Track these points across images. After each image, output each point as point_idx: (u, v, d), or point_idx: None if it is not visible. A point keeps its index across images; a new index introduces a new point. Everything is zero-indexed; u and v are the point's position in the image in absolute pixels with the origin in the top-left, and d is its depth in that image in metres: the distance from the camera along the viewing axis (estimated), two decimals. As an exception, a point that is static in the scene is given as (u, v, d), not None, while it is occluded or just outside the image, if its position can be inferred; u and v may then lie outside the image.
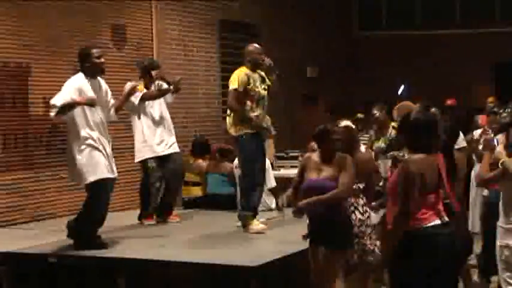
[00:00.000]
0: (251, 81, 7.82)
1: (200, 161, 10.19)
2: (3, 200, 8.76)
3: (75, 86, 6.94)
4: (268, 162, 9.36)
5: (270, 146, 11.21)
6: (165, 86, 8.68)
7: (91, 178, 6.90)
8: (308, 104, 14.97)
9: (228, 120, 7.93)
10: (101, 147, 6.97)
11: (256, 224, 7.82)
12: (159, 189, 8.58)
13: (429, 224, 4.94)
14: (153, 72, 8.60)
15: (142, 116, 8.44)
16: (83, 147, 6.90)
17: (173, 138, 8.64)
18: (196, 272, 6.51)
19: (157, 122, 8.49)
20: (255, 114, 7.78)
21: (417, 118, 5.21)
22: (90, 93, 6.95)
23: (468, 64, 15.50)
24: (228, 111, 7.95)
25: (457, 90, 14.98)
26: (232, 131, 7.88)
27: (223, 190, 9.73)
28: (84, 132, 6.90)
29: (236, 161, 9.42)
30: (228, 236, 7.74)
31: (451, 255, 4.97)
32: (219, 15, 12.43)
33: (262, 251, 7.19)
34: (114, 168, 7.13)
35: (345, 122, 6.68)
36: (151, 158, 8.45)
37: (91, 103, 6.89)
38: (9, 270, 6.96)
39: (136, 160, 8.59)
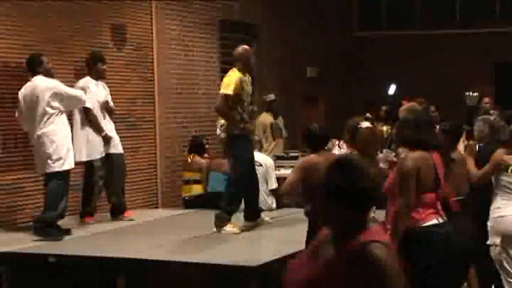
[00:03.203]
0: (244, 85, 7.80)
1: (198, 158, 10.19)
2: (3, 200, 8.76)
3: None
4: (271, 162, 9.36)
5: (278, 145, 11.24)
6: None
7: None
8: (308, 104, 14.98)
9: (219, 120, 7.90)
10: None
11: (230, 227, 7.78)
12: (102, 188, 8.66)
13: (427, 223, 4.96)
14: (100, 66, 8.68)
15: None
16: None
17: (117, 139, 8.76)
18: (196, 272, 6.51)
19: (103, 125, 8.59)
20: (244, 118, 7.79)
21: (418, 117, 5.28)
22: None
23: (468, 64, 15.51)
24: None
25: (457, 90, 14.99)
26: (222, 132, 7.84)
27: (224, 189, 9.72)
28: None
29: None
30: (228, 236, 7.73)
31: (446, 253, 4.97)
32: (219, 15, 12.43)
33: (262, 251, 7.19)
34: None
35: (366, 124, 6.71)
36: (98, 158, 8.51)
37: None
38: (9, 270, 6.96)
39: (84, 159, 8.54)
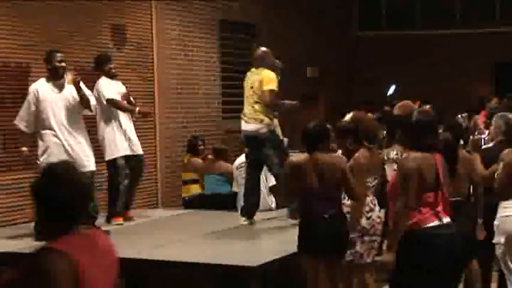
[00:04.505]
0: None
1: (194, 158, 10.29)
2: (3, 200, 8.76)
3: (30, 94, 7.75)
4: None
5: None
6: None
7: None
8: (308, 104, 14.97)
9: (257, 116, 7.93)
10: (60, 144, 7.67)
11: None
12: (128, 187, 8.58)
13: (428, 225, 4.96)
14: (106, 66, 8.58)
15: (111, 117, 8.46)
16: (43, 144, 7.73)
17: (137, 141, 8.70)
18: (196, 272, 6.51)
19: (124, 124, 8.53)
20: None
21: (419, 118, 5.27)
22: (47, 95, 7.68)
23: (468, 64, 15.52)
24: (250, 110, 7.98)
25: (457, 90, 15.00)
26: (263, 128, 7.91)
27: (220, 190, 9.76)
28: (44, 131, 7.69)
29: (238, 161, 9.44)
30: (228, 236, 7.74)
31: (448, 256, 4.98)
32: (219, 15, 12.43)
33: (262, 251, 7.19)
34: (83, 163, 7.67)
35: (349, 115, 6.72)
36: (121, 156, 8.43)
37: None
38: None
39: (107, 158, 8.49)
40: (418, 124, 5.20)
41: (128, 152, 8.49)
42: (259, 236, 7.84)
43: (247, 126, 8.05)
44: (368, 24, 17.03)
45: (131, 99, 8.74)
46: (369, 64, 16.19)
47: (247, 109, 8.06)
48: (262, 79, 7.89)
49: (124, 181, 8.47)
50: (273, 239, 7.62)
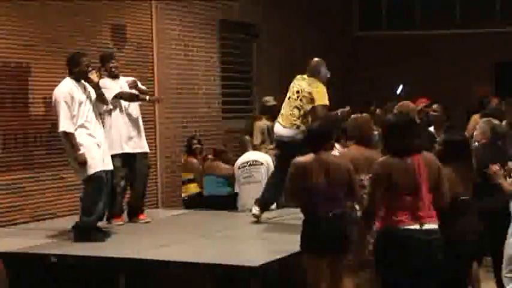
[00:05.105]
0: None
1: (191, 158, 10.32)
2: (3, 200, 8.76)
3: (64, 96, 7.53)
4: (270, 160, 9.39)
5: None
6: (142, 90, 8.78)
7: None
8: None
9: (294, 122, 8.00)
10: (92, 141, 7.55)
11: None
12: (125, 188, 8.54)
13: (403, 227, 4.91)
14: (108, 64, 8.51)
15: (112, 113, 8.37)
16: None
17: (143, 138, 8.62)
18: (196, 272, 6.51)
19: (127, 120, 8.45)
20: None
21: (388, 120, 5.24)
22: (79, 96, 7.55)
23: (468, 64, 15.50)
24: (287, 113, 8.06)
25: (457, 90, 14.99)
26: (299, 134, 7.91)
27: (219, 191, 9.74)
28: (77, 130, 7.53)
29: (239, 161, 9.48)
30: (228, 236, 7.74)
31: (426, 263, 4.90)
32: (219, 15, 12.43)
33: (262, 251, 7.19)
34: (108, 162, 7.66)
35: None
36: (117, 156, 8.26)
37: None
38: (9, 270, 6.96)
39: None
40: (390, 127, 5.13)
41: (124, 151, 8.39)
42: (260, 236, 7.84)
43: (283, 131, 8.12)
44: (368, 24, 17.02)
45: (140, 85, 8.69)
46: (369, 64, 16.18)
47: (285, 111, 8.13)
48: (313, 92, 7.96)
49: (120, 182, 8.43)
50: (273, 239, 7.61)
